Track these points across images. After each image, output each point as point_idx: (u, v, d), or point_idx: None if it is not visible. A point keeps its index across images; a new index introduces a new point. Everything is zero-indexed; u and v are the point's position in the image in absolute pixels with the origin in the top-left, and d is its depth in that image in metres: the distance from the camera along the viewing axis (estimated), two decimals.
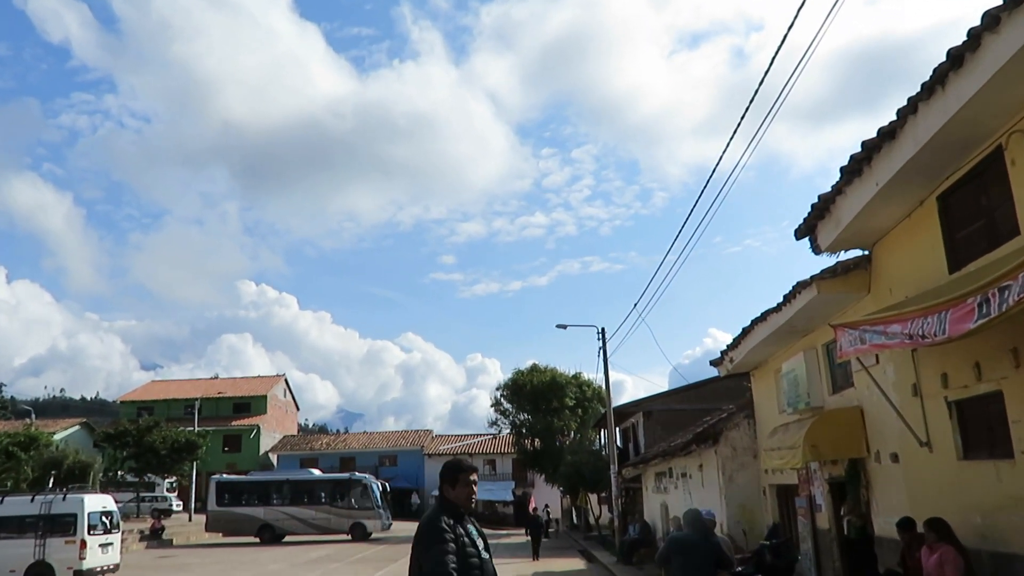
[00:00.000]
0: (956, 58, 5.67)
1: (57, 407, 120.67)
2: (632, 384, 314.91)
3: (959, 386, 7.52)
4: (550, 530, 39.87)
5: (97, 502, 19.39)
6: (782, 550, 10.53)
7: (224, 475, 38.64)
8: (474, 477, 4.04)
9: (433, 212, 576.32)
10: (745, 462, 14.80)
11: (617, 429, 28.57)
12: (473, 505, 4.05)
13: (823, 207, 8.77)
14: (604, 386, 25.28)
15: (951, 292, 6.16)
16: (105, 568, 18.99)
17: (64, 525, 18.41)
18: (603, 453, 35.48)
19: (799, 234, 9.58)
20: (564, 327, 25.62)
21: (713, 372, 30.40)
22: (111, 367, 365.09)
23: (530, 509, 40.44)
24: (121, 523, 20.90)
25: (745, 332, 12.56)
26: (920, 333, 6.35)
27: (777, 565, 11.08)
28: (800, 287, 9.74)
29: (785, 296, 10.36)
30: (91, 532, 18.61)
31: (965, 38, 5.48)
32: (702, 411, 23.61)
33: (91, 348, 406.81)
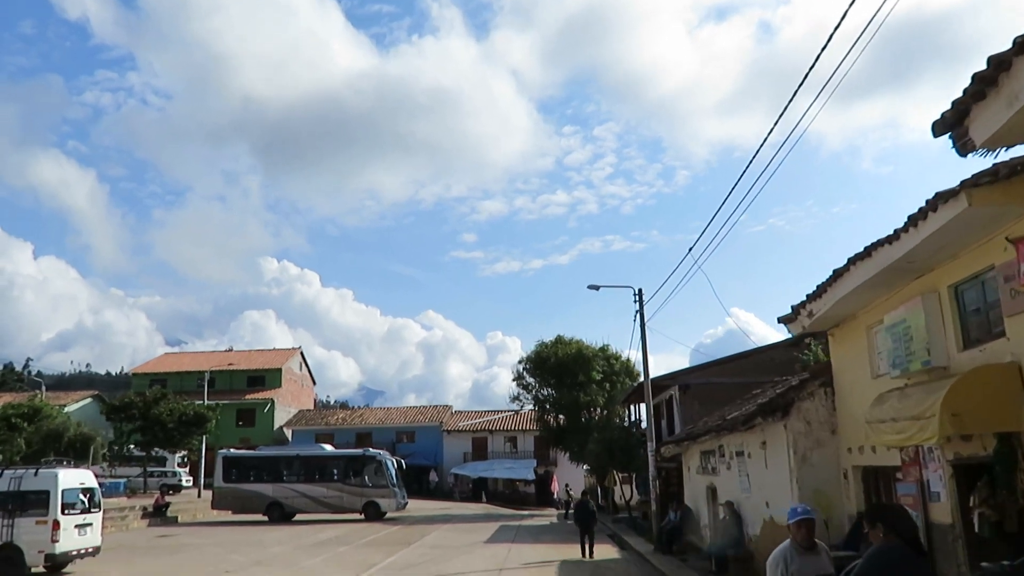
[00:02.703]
0: None
1: (83, 381, 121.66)
2: (654, 363, 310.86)
3: None
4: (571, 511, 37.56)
5: (74, 478, 17.34)
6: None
7: (232, 450, 36.87)
8: None
9: (454, 190, 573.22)
10: (821, 438, 12.26)
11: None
12: None
13: (990, 77, 6.06)
14: (641, 351, 22.80)
15: None
16: (83, 551, 16.96)
17: (35, 503, 16.40)
18: (633, 430, 33.16)
19: (939, 127, 6.75)
20: (597, 288, 23.21)
21: (744, 347, 27.86)
22: (136, 343, 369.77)
23: (574, 492, 37.68)
24: (102, 501, 18.82)
25: (837, 275, 9.94)
26: None
27: None
28: (941, 198, 7.10)
29: (911, 217, 7.71)
30: (66, 511, 16.58)
31: None
32: (744, 385, 21.39)
33: (117, 324, 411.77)
